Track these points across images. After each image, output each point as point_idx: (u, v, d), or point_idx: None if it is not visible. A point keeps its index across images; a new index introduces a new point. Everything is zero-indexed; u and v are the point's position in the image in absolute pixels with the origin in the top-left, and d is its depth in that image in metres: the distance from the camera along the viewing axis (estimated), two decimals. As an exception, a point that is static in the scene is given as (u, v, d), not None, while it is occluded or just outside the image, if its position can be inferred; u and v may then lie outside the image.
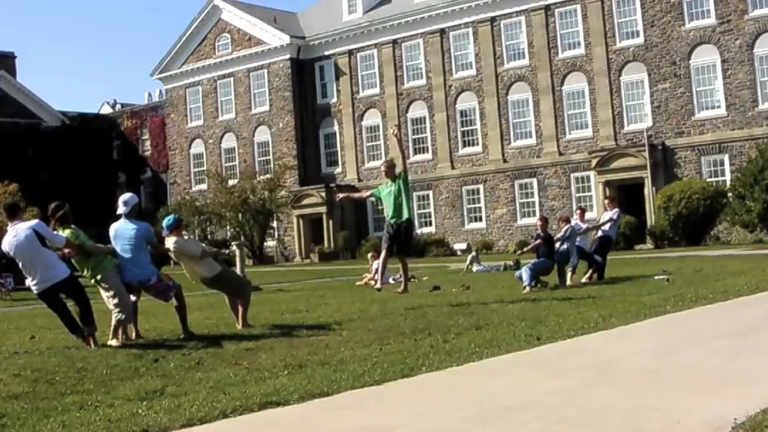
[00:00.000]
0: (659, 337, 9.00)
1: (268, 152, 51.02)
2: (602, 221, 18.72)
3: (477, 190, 43.95)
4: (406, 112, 46.23)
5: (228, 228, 49.52)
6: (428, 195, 45.37)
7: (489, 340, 9.13)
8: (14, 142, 51.38)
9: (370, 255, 24.32)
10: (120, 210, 10.51)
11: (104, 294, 10.23)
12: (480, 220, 43.90)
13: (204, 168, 53.31)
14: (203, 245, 12.18)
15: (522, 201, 42.63)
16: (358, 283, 21.99)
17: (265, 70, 51.04)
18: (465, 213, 44.32)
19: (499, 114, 43.05)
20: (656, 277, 16.75)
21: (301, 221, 48.44)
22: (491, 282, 19.83)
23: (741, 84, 36.41)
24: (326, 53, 49.15)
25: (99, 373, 8.27)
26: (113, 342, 9.93)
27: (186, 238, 12.01)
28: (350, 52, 48.23)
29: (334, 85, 49.09)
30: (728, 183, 35.71)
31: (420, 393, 6.79)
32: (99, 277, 10.13)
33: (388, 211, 13.18)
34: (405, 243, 13.52)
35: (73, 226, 10.16)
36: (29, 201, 31.06)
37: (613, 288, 15.17)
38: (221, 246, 31.16)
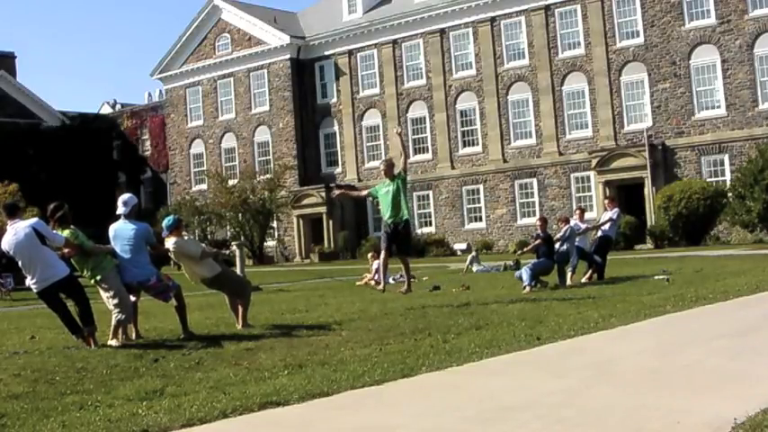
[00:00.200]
0: (659, 337, 9.00)
1: (268, 152, 51.02)
2: (601, 221, 18.73)
3: (477, 190, 43.96)
4: (406, 112, 46.23)
5: (228, 228, 49.52)
6: (428, 195, 45.38)
7: (489, 340, 9.12)
8: (14, 142, 51.39)
9: (370, 255, 24.33)
10: (120, 210, 10.52)
11: (104, 295, 10.24)
12: (480, 220, 43.91)
13: (204, 168, 53.31)
14: (203, 245, 12.18)
15: (522, 201, 42.63)
16: (358, 283, 21.99)
17: (265, 70, 51.04)
18: (465, 213, 44.33)
19: (499, 114, 43.05)
20: (656, 277, 16.75)
21: (301, 221, 48.45)
22: (491, 282, 19.84)
23: (741, 84, 36.42)
24: (326, 53, 49.16)
25: (99, 373, 8.27)
26: (113, 342, 9.93)
27: (186, 238, 12.01)
28: (350, 52, 48.23)
29: (334, 85, 49.10)
30: (728, 183, 35.70)
31: (420, 393, 6.78)
32: (99, 278, 10.13)
33: (384, 210, 13.17)
34: (404, 242, 13.53)
35: (72, 226, 10.16)
36: (29, 201, 31.08)
37: (613, 288, 15.16)
38: (221, 246, 31.19)
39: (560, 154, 41.32)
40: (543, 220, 17.51)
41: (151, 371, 8.34)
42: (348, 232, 46.24)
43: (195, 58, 54.05)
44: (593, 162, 39.05)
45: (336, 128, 49.15)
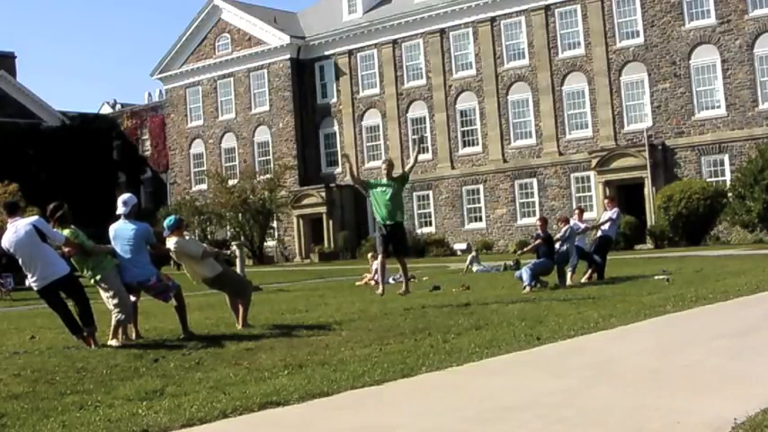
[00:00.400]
0: (659, 337, 9.00)
1: (268, 152, 51.02)
2: (601, 221, 18.74)
3: (477, 190, 43.95)
4: (406, 112, 46.23)
5: (228, 228, 49.51)
6: (428, 195, 45.38)
7: (489, 340, 9.13)
8: (14, 142, 51.40)
9: (370, 255, 24.30)
10: (120, 210, 10.53)
11: (104, 294, 10.24)
12: (480, 220, 43.90)
13: (204, 168, 53.30)
14: (204, 245, 12.19)
15: (522, 201, 42.62)
16: (358, 283, 21.99)
17: (265, 70, 51.04)
18: (465, 213, 44.32)
19: (499, 114, 43.04)
20: (656, 277, 16.75)
21: (301, 221, 48.45)
22: (491, 282, 19.84)
23: (741, 84, 36.41)
24: (326, 53, 49.15)
25: (99, 373, 8.27)
26: (113, 342, 9.93)
27: (187, 238, 12.02)
28: (350, 52, 48.22)
29: (334, 85, 49.09)
30: (728, 183, 35.70)
31: (420, 393, 6.78)
32: (99, 277, 10.13)
33: (379, 210, 13.19)
34: (400, 243, 13.61)
35: (72, 226, 10.17)
36: (29, 201, 31.03)
37: (613, 288, 15.17)
38: (221, 246, 31.15)
39: (560, 154, 41.31)
40: (543, 220, 17.51)
41: (151, 371, 8.35)
42: (348, 232, 46.25)
43: (195, 58, 54.05)
44: (593, 162, 39.05)
45: (336, 128, 49.14)
